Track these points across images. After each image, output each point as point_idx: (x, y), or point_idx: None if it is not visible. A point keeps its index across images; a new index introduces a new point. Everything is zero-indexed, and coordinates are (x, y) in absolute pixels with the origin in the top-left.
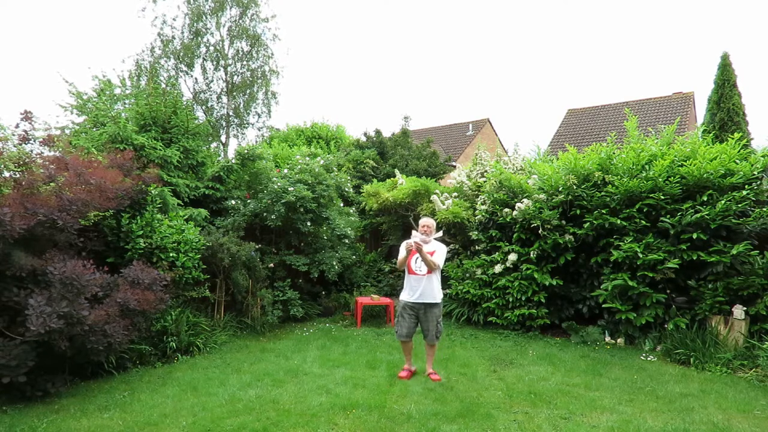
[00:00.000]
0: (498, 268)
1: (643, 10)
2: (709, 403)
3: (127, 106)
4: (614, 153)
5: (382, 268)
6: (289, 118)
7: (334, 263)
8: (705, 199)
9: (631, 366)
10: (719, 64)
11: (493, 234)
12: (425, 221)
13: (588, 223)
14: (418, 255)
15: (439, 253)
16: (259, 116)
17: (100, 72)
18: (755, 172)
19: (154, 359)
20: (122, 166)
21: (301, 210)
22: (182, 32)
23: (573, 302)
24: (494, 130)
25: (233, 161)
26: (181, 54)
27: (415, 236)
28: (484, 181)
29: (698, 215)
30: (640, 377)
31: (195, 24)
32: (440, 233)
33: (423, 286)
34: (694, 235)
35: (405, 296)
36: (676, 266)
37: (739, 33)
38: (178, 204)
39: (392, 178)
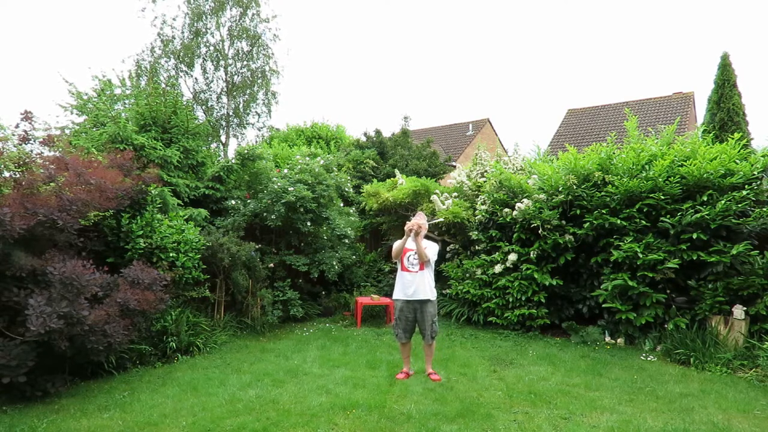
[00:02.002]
0: (498, 268)
1: (644, 10)
2: (709, 403)
3: (127, 106)
4: (614, 153)
5: (382, 268)
6: (289, 118)
7: (334, 263)
8: (705, 199)
9: (631, 366)
10: (719, 64)
11: (493, 234)
12: (419, 220)
13: (588, 223)
14: (410, 252)
15: (430, 248)
16: (259, 116)
17: (100, 72)
18: (755, 172)
19: (154, 359)
20: (122, 166)
21: (301, 210)
22: (182, 32)
23: (573, 302)
24: (494, 130)
25: (233, 161)
26: (181, 54)
27: (418, 217)
28: (484, 181)
29: (698, 215)
30: (640, 377)
31: (195, 24)
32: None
33: (416, 283)
34: (694, 235)
35: (399, 294)
36: (676, 266)
37: (739, 33)
38: (178, 204)
39: (392, 178)
